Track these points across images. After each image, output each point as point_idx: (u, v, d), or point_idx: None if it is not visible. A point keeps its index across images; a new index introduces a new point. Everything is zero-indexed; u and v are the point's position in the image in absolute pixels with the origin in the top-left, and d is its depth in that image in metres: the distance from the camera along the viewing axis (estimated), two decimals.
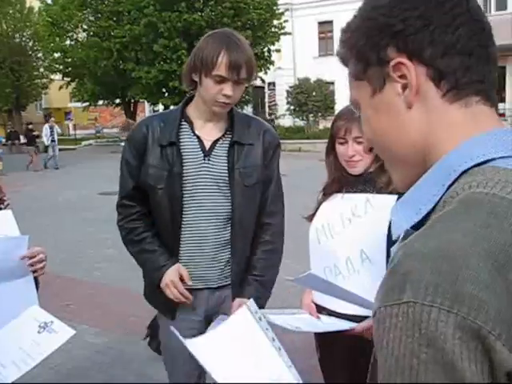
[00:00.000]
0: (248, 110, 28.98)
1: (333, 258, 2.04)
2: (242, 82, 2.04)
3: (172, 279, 2.05)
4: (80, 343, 4.15)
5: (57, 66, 30.88)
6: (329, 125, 2.32)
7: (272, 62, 25.73)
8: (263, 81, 26.20)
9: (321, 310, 2.10)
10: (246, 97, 25.38)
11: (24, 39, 36.24)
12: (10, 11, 35.21)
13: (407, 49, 0.76)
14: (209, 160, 2.12)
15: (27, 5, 35.23)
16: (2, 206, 2.32)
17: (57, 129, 21.46)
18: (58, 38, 29.02)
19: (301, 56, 30.85)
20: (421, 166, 0.78)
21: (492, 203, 0.65)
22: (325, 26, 30.23)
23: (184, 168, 2.09)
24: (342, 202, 2.08)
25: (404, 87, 0.77)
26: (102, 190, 12.58)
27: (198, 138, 2.14)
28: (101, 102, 31.34)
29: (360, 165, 2.04)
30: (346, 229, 2.03)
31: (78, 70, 28.70)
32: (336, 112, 2.42)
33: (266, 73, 25.36)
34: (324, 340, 2.15)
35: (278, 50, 25.80)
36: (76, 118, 41.49)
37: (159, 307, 2.26)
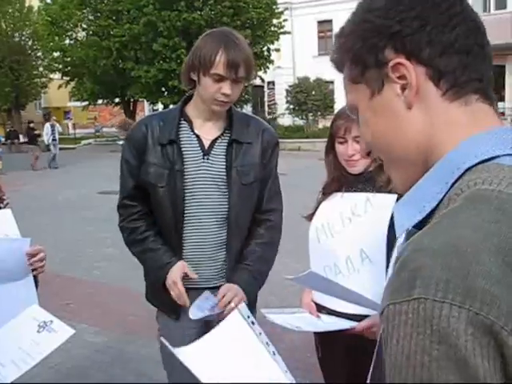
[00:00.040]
0: (247, 109, 28.99)
1: (333, 257, 2.04)
2: (240, 80, 2.05)
3: (174, 280, 2.05)
4: (79, 342, 4.15)
5: (56, 65, 30.84)
6: (328, 124, 2.32)
7: (271, 61, 25.73)
8: (263, 80, 26.17)
9: (321, 309, 2.10)
10: (246, 96, 25.36)
11: (23, 38, 36.19)
12: (10, 10, 35.14)
13: (405, 49, 0.76)
14: (208, 159, 2.12)
15: (26, 4, 35.19)
16: (2, 205, 2.32)
17: (58, 128, 21.46)
18: (57, 37, 28.98)
19: (300, 55, 30.84)
20: (422, 165, 0.78)
21: (499, 199, 0.65)
22: (324, 25, 30.23)
23: (184, 166, 2.10)
24: (342, 201, 2.08)
25: (403, 88, 0.77)
26: (101, 189, 12.59)
27: (198, 136, 2.14)
28: (100, 101, 31.30)
29: (360, 164, 2.04)
30: (345, 228, 2.03)
31: (78, 69, 28.67)
32: (335, 111, 2.42)
33: (265, 72, 25.35)
34: (324, 339, 2.15)
35: (278, 50, 25.78)
36: (75, 118, 41.55)
37: (163, 307, 2.26)
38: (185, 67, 2.11)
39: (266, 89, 31.75)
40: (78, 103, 35.30)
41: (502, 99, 22.99)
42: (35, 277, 2.18)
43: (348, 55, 0.83)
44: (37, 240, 2.21)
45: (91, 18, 28.24)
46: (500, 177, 0.68)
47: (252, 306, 2.31)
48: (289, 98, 27.35)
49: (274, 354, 1.58)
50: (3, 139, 26.81)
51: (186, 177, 2.10)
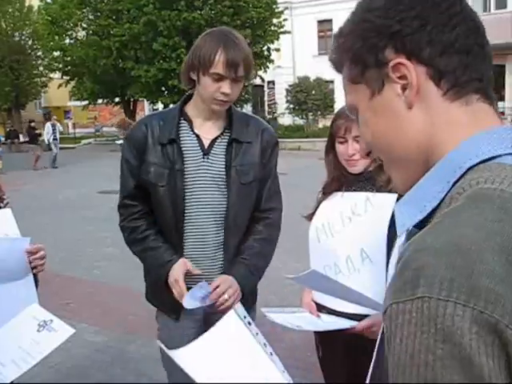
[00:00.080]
0: (247, 108, 28.99)
1: (333, 256, 2.04)
2: (239, 79, 2.05)
3: (176, 278, 2.04)
4: (79, 342, 4.16)
5: (56, 64, 30.84)
6: (328, 123, 2.32)
7: (271, 61, 25.73)
8: (263, 79, 26.19)
9: (321, 308, 2.10)
10: (246, 95, 25.37)
11: (23, 38, 36.19)
12: (10, 10, 35.14)
13: (405, 49, 0.76)
14: (208, 158, 2.13)
15: (27, 3, 35.18)
16: (2, 205, 2.32)
17: (59, 127, 21.47)
18: (57, 37, 28.98)
19: (300, 54, 30.85)
20: (423, 165, 0.78)
21: (502, 198, 0.65)
22: (324, 25, 30.23)
23: (184, 166, 2.10)
24: (342, 201, 2.08)
25: (404, 88, 0.77)
26: (101, 189, 12.59)
27: (197, 136, 2.14)
28: (100, 101, 31.31)
29: (360, 164, 2.04)
30: (346, 227, 2.03)
31: (78, 69, 28.68)
32: (335, 111, 2.42)
33: (265, 71, 25.36)
34: (324, 338, 2.15)
35: (278, 49, 25.78)
36: (75, 117, 41.54)
37: (163, 307, 2.25)
38: (184, 67, 2.11)
39: (266, 88, 31.76)
40: (78, 103, 35.30)
41: (502, 99, 23.00)
42: (35, 276, 2.19)
43: (347, 55, 0.83)
44: (37, 239, 2.22)
45: (91, 17, 28.24)
46: (502, 176, 0.68)
47: (251, 304, 2.31)
48: (289, 98, 27.37)
49: (272, 354, 1.57)
50: (3, 139, 26.79)
51: (186, 176, 2.10)
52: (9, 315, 2.00)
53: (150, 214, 2.19)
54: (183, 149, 2.11)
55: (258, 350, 1.57)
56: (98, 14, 27.41)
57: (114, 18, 26.20)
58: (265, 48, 25.30)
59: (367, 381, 1.23)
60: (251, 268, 2.14)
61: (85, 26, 28.72)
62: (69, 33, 29.28)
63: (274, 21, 25.42)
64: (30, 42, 36.33)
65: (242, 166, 2.12)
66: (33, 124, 22.32)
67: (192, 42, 2.13)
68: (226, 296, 2.01)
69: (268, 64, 25.59)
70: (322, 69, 24.51)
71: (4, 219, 2.17)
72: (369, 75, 0.80)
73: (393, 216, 0.80)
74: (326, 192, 2.16)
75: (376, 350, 1.24)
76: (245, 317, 1.63)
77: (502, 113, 22.27)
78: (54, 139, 20.24)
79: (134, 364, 3.96)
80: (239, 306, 1.67)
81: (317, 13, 30.20)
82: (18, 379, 1.87)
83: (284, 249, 5.88)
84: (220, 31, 2.09)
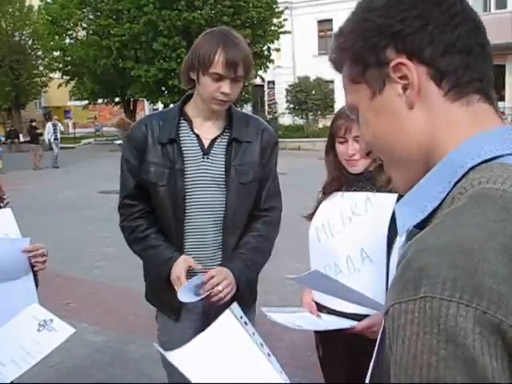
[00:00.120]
0: (247, 108, 28.99)
1: (333, 256, 2.04)
2: (239, 79, 2.05)
3: (178, 275, 2.04)
4: (80, 342, 4.16)
5: (56, 64, 30.82)
6: (328, 123, 2.32)
7: (271, 61, 25.72)
8: (263, 79, 26.17)
9: (321, 308, 2.10)
10: (246, 95, 25.35)
11: (23, 38, 36.18)
12: (10, 10, 35.12)
13: (406, 49, 0.75)
14: (208, 158, 2.13)
15: (27, 3, 35.17)
16: (2, 205, 2.32)
17: (60, 127, 21.47)
18: (57, 37, 28.96)
19: (300, 54, 30.85)
20: (424, 165, 0.78)
21: (504, 198, 0.65)
22: (324, 25, 30.23)
23: (185, 165, 2.10)
24: (342, 201, 2.08)
25: (405, 88, 0.76)
26: (101, 189, 12.59)
27: (197, 136, 2.14)
28: (100, 101, 31.30)
29: (360, 163, 2.04)
30: (346, 227, 2.03)
31: (78, 69, 28.66)
32: (335, 111, 2.42)
33: (265, 71, 25.35)
34: (324, 338, 2.15)
35: (278, 49, 25.76)
36: (75, 117, 41.54)
37: (163, 307, 2.25)
38: (184, 67, 2.11)
39: (266, 88, 31.75)
40: (78, 102, 35.31)
41: (502, 99, 22.99)
42: (35, 276, 2.19)
43: (348, 54, 0.82)
44: (37, 239, 2.22)
45: (91, 17, 28.22)
46: (504, 176, 0.68)
47: (251, 304, 2.31)
48: (289, 98, 27.37)
49: (269, 355, 1.55)
50: (3, 138, 26.80)
51: (186, 176, 2.10)
52: (9, 315, 2.00)
53: (151, 213, 2.18)
54: (183, 148, 2.11)
55: (255, 351, 1.55)
56: (98, 13, 27.39)
57: (114, 17, 26.19)
58: (265, 48, 25.28)
59: (367, 381, 1.23)
60: (248, 262, 2.13)
61: (85, 25, 28.70)
62: (69, 33, 29.26)
63: (274, 21, 25.41)
64: (30, 42, 36.32)
65: (242, 165, 2.12)
66: (34, 124, 22.29)
67: (192, 42, 2.13)
68: (219, 287, 2.00)
69: (268, 64, 25.57)
70: (322, 69, 24.53)
71: (4, 219, 2.18)
72: (369, 75, 0.79)
73: (393, 216, 0.80)
74: (326, 192, 2.16)
75: (376, 349, 1.25)
76: (241, 317, 1.61)
77: (503, 113, 22.26)
78: (55, 139, 20.27)
79: (133, 364, 3.96)
80: (235, 306, 1.64)
81: (317, 13, 30.21)
82: (18, 379, 1.87)
83: (284, 249, 5.90)
84: (219, 31, 2.10)
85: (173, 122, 2.13)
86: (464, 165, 0.71)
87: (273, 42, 25.37)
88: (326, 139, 2.17)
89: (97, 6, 27.16)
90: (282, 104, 28.82)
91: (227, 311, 1.64)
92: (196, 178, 2.11)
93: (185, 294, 1.96)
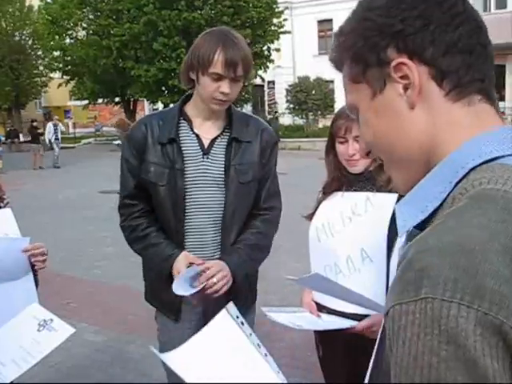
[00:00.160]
0: (247, 108, 28.99)
1: (333, 256, 2.04)
2: (238, 79, 2.05)
3: (179, 271, 2.04)
4: (80, 341, 4.16)
5: (56, 64, 30.83)
6: (328, 123, 2.32)
7: (272, 61, 25.72)
8: (263, 79, 26.18)
9: (321, 308, 2.10)
10: (246, 95, 25.35)
11: (24, 37, 36.17)
12: (10, 9, 35.13)
13: (408, 49, 0.75)
14: (207, 158, 2.13)
15: (27, 3, 35.17)
16: (2, 205, 2.32)
17: (60, 127, 21.47)
18: (57, 37, 28.97)
19: (300, 54, 30.86)
20: (424, 165, 0.77)
21: (505, 199, 0.64)
22: (324, 25, 30.24)
23: (184, 165, 2.10)
24: (342, 201, 2.08)
25: (405, 88, 0.76)
26: (101, 189, 12.60)
27: (197, 136, 2.14)
28: (100, 101, 31.31)
29: (360, 163, 2.04)
30: (346, 227, 2.03)
31: (78, 69, 28.67)
32: (335, 110, 2.42)
33: (265, 71, 25.35)
34: (324, 338, 2.15)
35: (278, 50, 25.77)
36: (75, 117, 41.55)
37: (162, 308, 2.25)
38: (184, 66, 2.11)
39: (266, 88, 31.76)
40: (78, 102, 35.33)
41: (502, 99, 23.00)
42: (35, 276, 2.19)
43: (348, 54, 0.82)
44: (37, 239, 2.22)
45: (91, 17, 28.22)
46: (505, 177, 0.67)
47: (251, 304, 2.31)
48: (289, 98, 27.37)
49: (266, 355, 1.53)
50: (3, 138, 26.80)
51: (186, 176, 2.10)
52: (9, 315, 2.00)
53: (151, 212, 2.18)
54: (183, 148, 2.11)
55: (252, 351, 1.54)
56: (98, 13, 27.39)
57: (114, 17, 26.19)
58: (265, 48, 25.28)
59: (366, 381, 1.22)
60: (245, 257, 2.12)
61: (85, 25, 28.70)
62: (69, 32, 29.27)
63: (274, 21, 25.41)
64: (30, 42, 36.32)
65: (241, 165, 2.12)
66: (35, 123, 22.29)
67: (192, 42, 2.13)
68: (214, 279, 1.99)
69: (268, 64, 25.57)
70: (322, 69, 24.54)
71: (4, 219, 2.18)
72: (370, 74, 0.79)
73: (393, 216, 0.80)
74: (326, 192, 2.16)
75: (375, 349, 1.24)
76: (237, 317, 1.60)
77: (503, 113, 22.28)
78: (56, 139, 20.29)
79: (133, 364, 3.96)
80: (231, 306, 1.62)
81: (317, 13, 30.21)
82: (18, 379, 1.87)
83: (284, 249, 5.90)
84: (219, 31, 2.09)
85: (172, 122, 2.13)
86: (465, 165, 0.71)
87: (273, 42, 25.37)
88: (325, 139, 2.16)
89: (97, 5, 27.17)
90: (282, 104, 28.82)
91: (223, 311, 1.62)
92: (196, 177, 2.11)
93: (180, 287, 1.94)
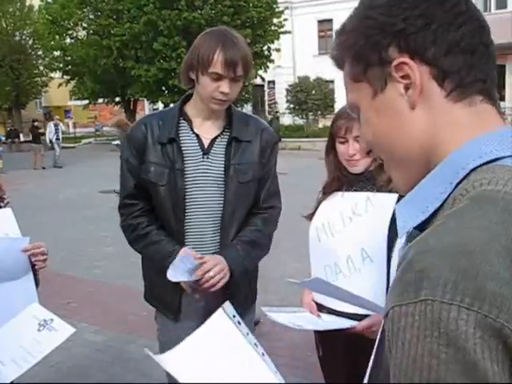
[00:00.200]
0: (248, 108, 28.99)
1: (333, 256, 2.04)
2: (238, 79, 2.05)
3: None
4: (80, 341, 4.16)
5: (57, 64, 30.83)
6: (328, 123, 2.32)
7: (272, 61, 25.72)
8: (263, 79, 26.17)
9: (321, 308, 2.11)
10: (246, 95, 25.35)
11: (24, 37, 36.18)
12: (10, 9, 35.16)
13: (409, 48, 0.74)
14: (208, 158, 2.13)
15: (27, 3, 35.17)
16: (2, 204, 2.32)
17: (61, 127, 21.47)
18: (57, 36, 28.97)
19: (300, 54, 30.85)
20: (425, 166, 0.77)
21: (506, 201, 0.64)
22: (324, 25, 30.23)
23: (184, 165, 2.10)
24: (343, 201, 2.08)
25: (407, 87, 0.76)
26: (102, 188, 12.59)
27: (197, 135, 2.14)
28: (101, 100, 31.31)
29: (361, 163, 2.04)
30: (346, 227, 2.03)
31: (78, 68, 28.66)
32: (335, 111, 2.42)
33: (265, 71, 25.35)
34: (324, 338, 2.15)
35: (278, 50, 25.76)
36: (76, 117, 41.55)
37: (162, 307, 2.25)
38: (183, 66, 2.11)
39: (266, 88, 31.75)
40: (78, 102, 35.32)
41: (503, 99, 23.00)
42: (36, 275, 2.19)
43: (350, 52, 0.81)
44: (37, 239, 2.22)
45: (92, 17, 28.22)
46: (506, 178, 0.67)
47: (251, 304, 2.31)
48: (289, 98, 27.37)
49: (263, 354, 1.52)
50: (4, 138, 26.80)
51: (186, 176, 2.10)
52: (9, 314, 2.00)
53: (151, 211, 2.18)
54: (183, 148, 2.11)
55: (249, 350, 1.52)
56: (99, 13, 27.39)
57: (114, 17, 26.19)
58: (265, 48, 25.27)
59: (365, 381, 1.22)
60: (242, 252, 2.12)
61: (85, 25, 28.70)
62: (69, 32, 29.27)
63: (275, 20, 25.40)
64: (30, 42, 36.33)
65: (241, 164, 2.12)
66: (36, 123, 22.29)
67: (192, 42, 2.13)
68: (211, 273, 1.99)
69: (268, 64, 25.56)
70: (323, 69, 24.56)
71: (4, 218, 2.18)
72: (371, 74, 0.79)
73: (394, 216, 0.80)
74: (327, 192, 2.16)
75: (375, 349, 1.24)
76: (234, 316, 1.58)
77: (503, 113, 22.25)
78: (57, 139, 20.30)
79: (134, 364, 3.96)
80: (228, 305, 1.60)
81: (317, 13, 30.20)
82: (19, 378, 1.87)
83: (284, 249, 5.90)
84: (218, 31, 2.10)
85: (172, 122, 2.13)
86: (465, 166, 0.71)
87: (273, 42, 25.36)
88: (326, 139, 2.16)
89: (97, 5, 27.16)
90: (282, 104, 28.83)
91: (219, 310, 1.60)
92: (196, 177, 2.11)
93: (174, 273, 1.93)
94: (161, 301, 2.23)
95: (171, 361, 1.53)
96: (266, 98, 32.51)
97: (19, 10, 35.42)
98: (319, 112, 26.94)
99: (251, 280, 2.30)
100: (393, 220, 1.82)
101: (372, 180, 2.04)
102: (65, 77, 30.80)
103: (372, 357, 1.25)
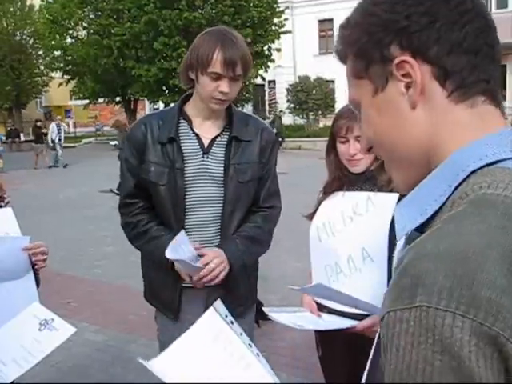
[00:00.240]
0: (248, 108, 28.98)
1: (334, 256, 2.04)
2: (237, 78, 2.05)
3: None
4: (80, 341, 4.16)
5: (57, 63, 30.81)
6: (329, 123, 2.32)
7: (272, 60, 25.71)
8: (263, 79, 26.16)
9: (322, 308, 2.10)
10: (247, 95, 25.35)
11: (24, 37, 36.18)
12: (11, 9, 35.16)
13: (411, 47, 0.73)
14: (207, 157, 2.13)
15: (28, 2, 35.17)
16: (2, 204, 2.33)
17: (64, 127, 21.48)
18: (58, 36, 28.95)
19: (301, 54, 30.84)
20: (425, 166, 0.76)
21: (506, 204, 0.63)
22: (325, 24, 30.20)
23: (184, 164, 2.10)
24: (343, 200, 2.08)
25: (408, 86, 0.74)
26: (102, 188, 12.60)
27: (197, 135, 2.14)
28: (101, 100, 31.31)
29: (362, 163, 2.04)
30: (347, 227, 2.03)
31: (79, 68, 28.65)
32: (336, 110, 2.42)
33: (266, 71, 25.34)
34: (324, 338, 2.15)
35: (279, 50, 25.75)
36: (76, 116, 41.56)
37: (161, 307, 2.25)
38: (183, 66, 2.11)
39: (266, 88, 31.74)
40: (78, 102, 35.30)
41: (503, 99, 22.95)
42: (36, 275, 2.19)
43: (352, 48, 0.80)
44: (37, 238, 2.22)
45: (92, 16, 28.21)
46: (506, 181, 0.66)
47: (251, 305, 2.31)
48: (289, 97, 27.37)
49: (258, 355, 1.49)
50: (4, 138, 26.80)
51: (186, 175, 2.10)
52: (9, 314, 2.00)
53: (151, 209, 2.18)
54: (183, 148, 2.11)
55: (244, 351, 1.49)
56: (99, 13, 27.38)
57: (114, 17, 26.18)
58: (266, 47, 25.26)
59: (363, 381, 1.22)
60: (241, 247, 2.12)
61: (86, 25, 28.69)
62: (70, 32, 29.25)
63: (275, 20, 25.38)
64: (31, 41, 36.32)
65: (240, 164, 2.13)
66: (39, 123, 22.29)
67: (193, 42, 2.13)
68: (212, 265, 2.00)
69: (269, 63, 25.55)
70: (323, 68, 24.56)
71: (5, 218, 2.18)
72: (373, 71, 0.77)
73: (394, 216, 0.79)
74: (327, 191, 2.16)
75: (373, 350, 1.24)
76: (226, 316, 1.53)
77: (504, 113, 22.27)
78: (59, 139, 20.32)
79: (134, 363, 3.94)
80: (219, 304, 1.55)
81: (317, 12, 30.18)
82: (19, 378, 1.87)
83: (284, 248, 5.89)
84: (218, 30, 2.10)
85: (172, 122, 2.13)
86: (465, 168, 0.70)
87: (273, 42, 25.34)
88: (326, 139, 2.16)
89: (97, 5, 27.14)
90: (282, 103, 28.83)
91: (211, 310, 1.54)
92: (196, 177, 2.11)
93: (173, 252, 1.91)
94: (161, 300, 2.23)
95: (163, 364, 1.47)
96: (267, 97, 32.49)
97: (20, 10, 35.42)
98: (320, 112, 26.95)
99: (251, 279, 2.29)
100: (394, 220, 1.82)
101: (373, 180, 2.03)
102: (65, 76, 30.78)
103: (370, 357, 1.25)
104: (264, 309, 2.06)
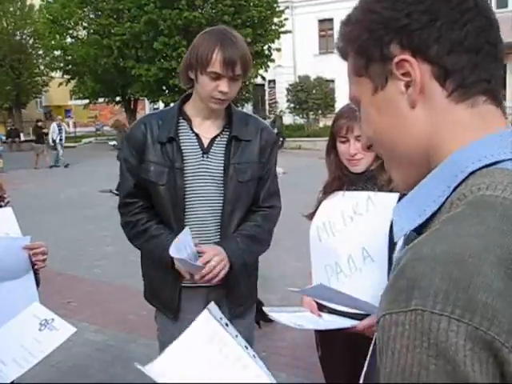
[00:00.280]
0: (248, 107, 28.98)
1: (334, 255, 2.04)
2: (237, 78, 2.05)
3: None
4: (80, 341, 4.16)
5: (57, 63, 30.82)
6: (329, 123, 2.32)
7: (272, 60, 25.71)
8: (263, 78, 26.17)
9: (322, 307, 2.11)
10: (247, 94, 25.35)
11: (24, 37, 36.17)
12: (11, 9, 35.16)
13: (412, 45, 0.72)
14: (207, 157, 2.13)
15: (28, 2, 35.17)
16: (3, 204, 2.32)
17: (65, 127, 21.48)
18: (58, 36, 28.95)
19: (301, 54, 30.83)
20: (425, 166, 0.75)
21: (504, 206, 0.62)
22: (325, 24, 30.19)
23: (184, 164, 2.10)
24: (343, 200, 2.08)
25: (407, 85, 0.74)
26: (102, 188, 12.60)
27: (197, 135, 2.14)
28: (101, 100, 31.31)
29: (362, 163, 2.04)
30: (347, 226, 2.03)
31: (79, 68, 28.65)
32: (336, 110, 2.42)
33: (266, 70, 25.34)
34: (324, 338, 2.15)
35: (279, 49, 25.75)
36: (76, 116, 41.57)
37: (161, 307, 2.25)
38: (183, 66, 2.11)
39: (266, 87, 31.74)
40: (78, 102, 35.31)
41: (504, 98, 22.99)
42: (36, 275, 2.19)
43: (353, 45, 0.80)
44: (38, 238, 2.22)
45: (92, 16, 28.21)
46: (504, 183, 0.65)
47: (251, 305, 2.31)
48: (289, 97, 27.37)
49: (255, 356, 1.48)
50: (4, 137, 26.80)
51: (185, 175, 2.10)
52: (9, 314, 2.00)
53: (151, 208, 2.18)
54: (182, 147, 2.11)
55: (240, 352, 1.47)
56: (99, 13, 27.38)
57: (114, 17, 26.18)
58: (266, 47, 25.26)
59: (361, 381, 1.22)
60: (242, 246, 2.12)
61: (86, 25, 28.69)
62: (70, 32, 29.25)
63: (275, 20, 25.38)
64: (31, 41, 36.32)
65: (240, 164, 2.12)
66: (40, 123, 22.30)
67: (193, 41, 2.13)
68: (212, 262, 2.00)
69: (269, 63, 25.55)
70: (323, 68, 24.57)
71: (5, 218, 2.18)
72: (372, 69, 0.77)
73: None
74: (327, 191, 2.16)
75: (370, 350, 1.24)
76: (221, 318, 1.52)
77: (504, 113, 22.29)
78: (60, 140, 20.33)
79: (134, 363, 3.95)
80: (213, 307, 1.53)
81: (317, 12, 30.17)
82: (19, 378, 1.87)
83: (284, 248, 5.90)
84: (217, 30, 2.10)
85: (172, 121, 2.13)
86: (464, 169, 0.69)
87: (273, 42, 25.34)
88: (326, 139, 2.16)
89: (97, 5, 27.14)
90: (282, 103, 28.83)
91: (205, 312, 1.52)
92: (196, 176, 2.11)
93: (176, 250, 1.91)
94: (160, 300, 2.23)
95: (159, 369, 1.47)
96: (267, 97, 32.49)
97: (20, 10, 35.41)
98: (320, 111, 26.94)
99: (252, 278, 2.29)
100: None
101: (373, 179, 2.03)
102: (65, 76, 30.78)
103: (368, 357, 1.25)
104: (264, 308, 2.06)
